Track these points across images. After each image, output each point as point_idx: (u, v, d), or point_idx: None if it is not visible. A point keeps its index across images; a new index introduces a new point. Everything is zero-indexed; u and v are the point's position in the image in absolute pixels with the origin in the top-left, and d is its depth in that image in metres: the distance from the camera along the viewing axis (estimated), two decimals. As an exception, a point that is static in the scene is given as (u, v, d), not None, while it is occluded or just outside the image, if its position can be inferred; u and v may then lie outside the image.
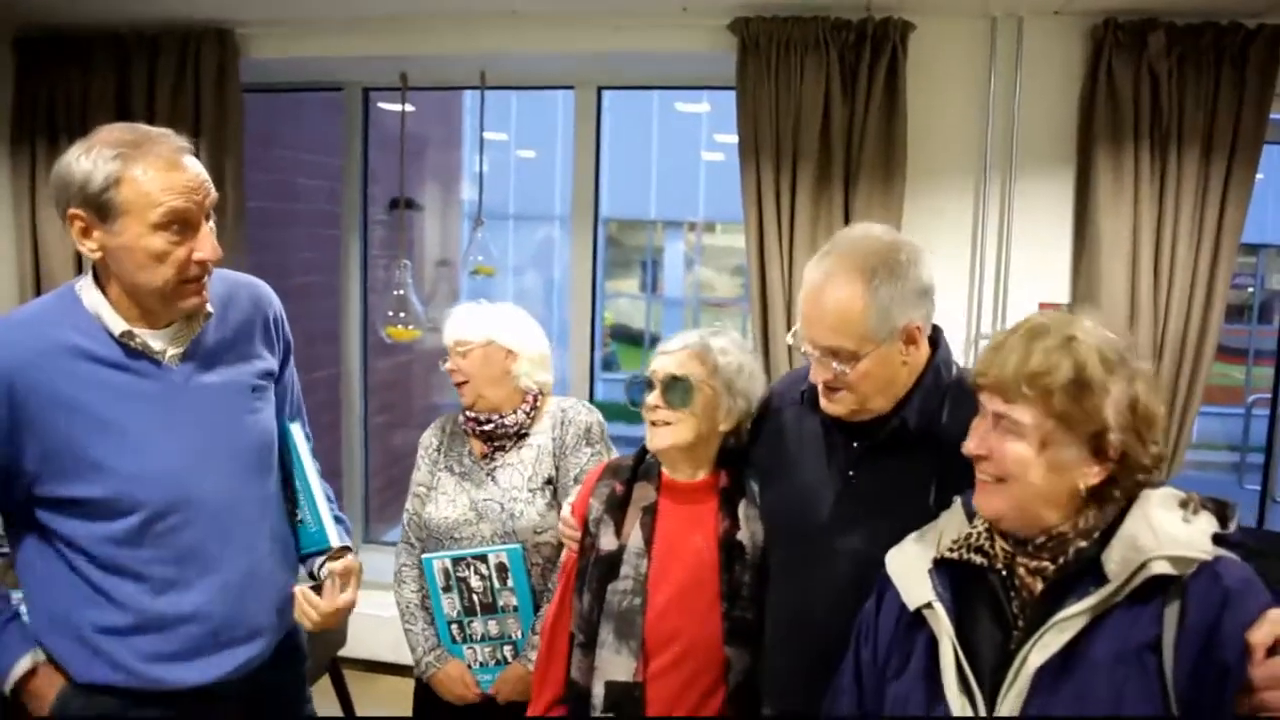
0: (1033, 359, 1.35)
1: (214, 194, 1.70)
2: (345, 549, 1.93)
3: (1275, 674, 1.20)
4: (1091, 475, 1.35)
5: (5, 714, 1.76)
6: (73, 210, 1.62)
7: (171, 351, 1.72)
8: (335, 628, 2.04)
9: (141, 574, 1.68)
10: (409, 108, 3.90)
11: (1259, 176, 3.03)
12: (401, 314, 3.75)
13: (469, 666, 2.43)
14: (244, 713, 1.82)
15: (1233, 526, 1.34)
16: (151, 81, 3.56)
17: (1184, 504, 1.35)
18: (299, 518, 1.96)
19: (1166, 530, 1.30)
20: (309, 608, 1.83)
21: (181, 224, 1.63)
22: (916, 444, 1.71)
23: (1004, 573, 1.41)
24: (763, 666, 1.88)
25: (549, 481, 2.42)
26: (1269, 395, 3.99)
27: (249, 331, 1.87)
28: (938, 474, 1.63)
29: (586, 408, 2.51)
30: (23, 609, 1.75)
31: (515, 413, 2.45)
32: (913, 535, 1.55)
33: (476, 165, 4.16)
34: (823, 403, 1.76)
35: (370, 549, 4.11)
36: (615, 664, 1.91)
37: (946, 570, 1.45)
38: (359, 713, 3.32)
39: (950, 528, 1.51)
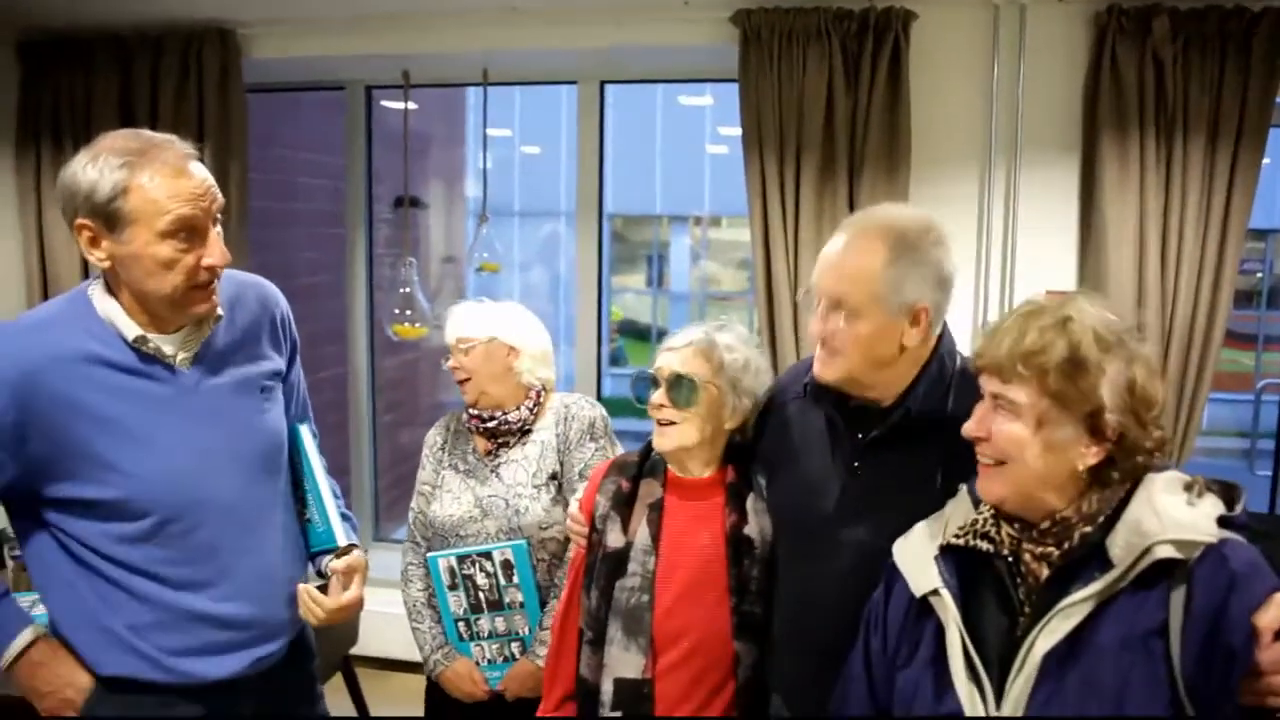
0: (1028, 338, 1.36)
1: (220, 199, 1.70)
2: (352, 547, 1.93)
3: (1283, 657, 1.20)
4: (1089, 455, 1.35)
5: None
6: (80, 220, 1.62)
7: (183, 355, 1.73)
8: (345, 621, 2.05)
9: (158, 574, 1.69)
10: (412, 105, 3.90)
11: (1265, 161, 3.01)
12: (408, 312, 3.76)
13: (477, 664, 2.43)
14: (259, 709, 1.83)
15: (1239, 509, 1.33)
16: (155, 83, 3.58)
17: (1189, 487, 1.35)
18: (307, 517, 1.96)
19: (1171, 514, 1.30)
20: (313, 605, 1.84)
21: (189, 231, 1.63)
22: (921, 435, 1.70)
23: (1010, 559, 1.41)
24: (771, 660, 1.88)
25: (553, 477, 2.42)
26: (1279, 381, 3.98)
27: (257, 332, 1.87)
28: (943, 464, 1.62)
29: (589, 402, 2.51)
30: (39, 609, 1.75)
31: (518, 409, 2.45)
32: (920, 524, 1.55)
33: (480, 162, 4.17)
34: (816, 366, 1.76)
35: (380, 547, 4.12)
36: (624, 661, 1.91)
37: (953, 557, 1.45)
38: (372, 711, 3.33)
39: (956, 515, 1.51)
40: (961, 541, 1.44)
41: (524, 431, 2.47)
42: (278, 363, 1.91)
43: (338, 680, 3.22)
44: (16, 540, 1.82)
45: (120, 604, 1.68)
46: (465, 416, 2.52)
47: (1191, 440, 3.10)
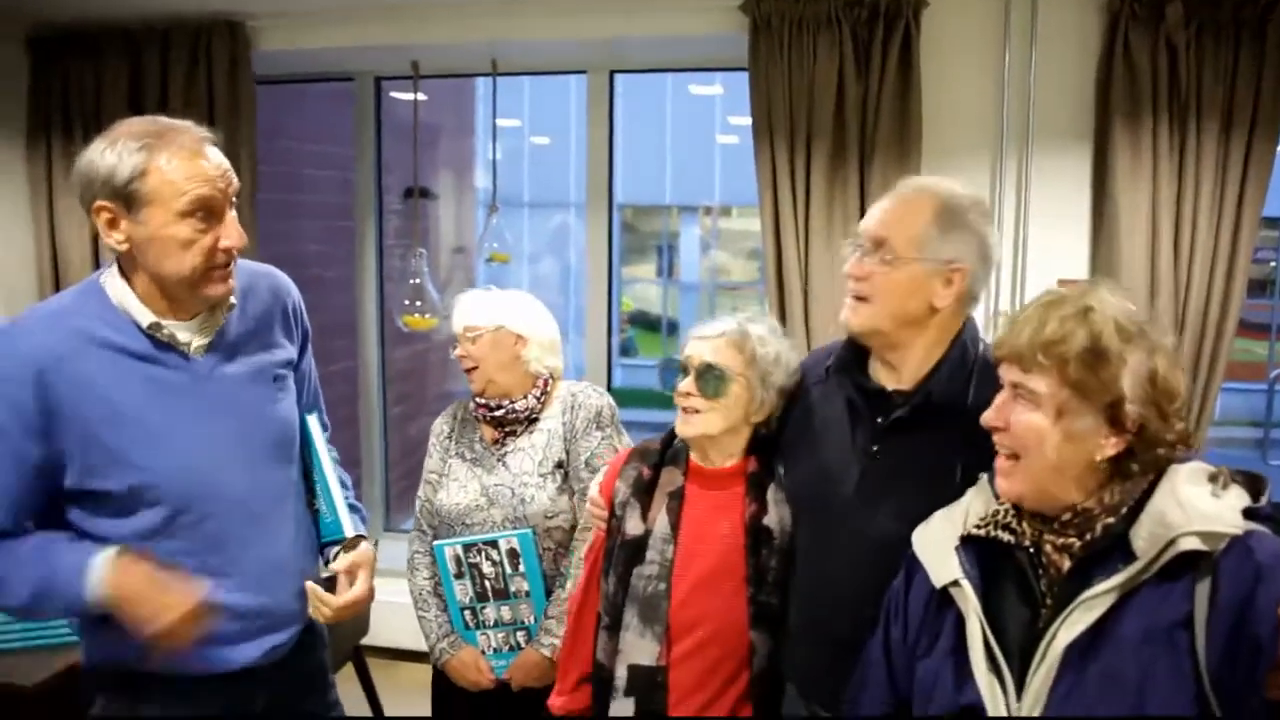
0: (1048, 327, 1.35)
1: (236, 182, 1.71)
2: (360, 538, 1.94)
3: (1309, 649, 1.19)
4: (1108, 446, 1.34)
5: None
6: (99, 203, 1.62)
7: (197, 343, 1.73)
8: (359, 614, 2.04)
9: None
10: (421, 96, 3.90)
11: (1280, 149, 2.99)
12: (418, 303, 3.77)
13: (482, 652, 2.44)
14: (273, 698, 1.84)
15: (1264, 500, 1.32)
16: (164, 76, 3.58)
17: (1213, 478, 1.33)
18: (315, 507, 1.96)
19: (1195, 505, 1.29)
20: (320, 604, 1.84)
21: (207, 211, 1.64)
22: (941, 422, 1.69)
23: (1031, 550, 1.40)
24: (786, 650, 1.88)
25: (559, 465, 2.42)
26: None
27: (269, 321, 1.88)
28: (963, 451, 1.61)
29: (597, 391, 2.51)
30: None
31: (525, 398, 2.45)
32: (940, 512, 1.54)
33: (490, 152, 4.17)
34: (844, 313, 1.78)
35: (390, 538, 4.13)
36: (639, 648, 1.91)
37: (973, 547, 1.44)
38: (382, 700, 3.34)
39: (977, 504, 1.50)
40: (982, 532, 1.43)
41: (531, 420, 2.47)
42: (290, 351, 1.91)
43: (349, 670, 3.23)
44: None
45: None
46: (472, 405, 2.51)
47: (1204, 430, 3.08)
